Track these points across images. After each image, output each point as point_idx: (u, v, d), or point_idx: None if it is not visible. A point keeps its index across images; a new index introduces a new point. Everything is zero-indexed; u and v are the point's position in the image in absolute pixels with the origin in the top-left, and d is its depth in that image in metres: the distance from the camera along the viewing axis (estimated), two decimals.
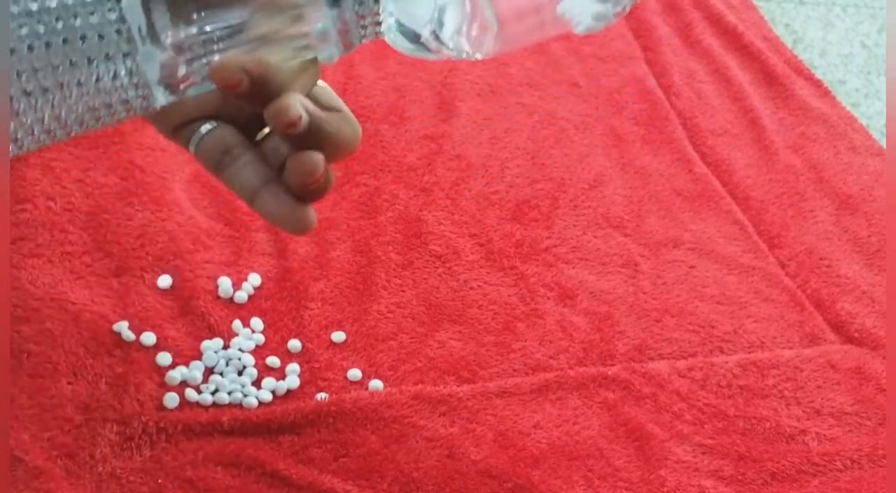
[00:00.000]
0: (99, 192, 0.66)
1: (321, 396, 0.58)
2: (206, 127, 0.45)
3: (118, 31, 0.38)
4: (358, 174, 0.72)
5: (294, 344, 0.60)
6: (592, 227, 0.73)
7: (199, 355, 0.59)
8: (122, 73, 0.39)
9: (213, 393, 0.57)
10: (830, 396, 0.65)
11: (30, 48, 0.37)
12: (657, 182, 0.78)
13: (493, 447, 0.57)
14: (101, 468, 0.52)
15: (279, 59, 0.41)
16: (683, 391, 0.63)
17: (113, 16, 0.38)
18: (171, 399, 0.56)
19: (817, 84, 0.91)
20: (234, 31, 0.40)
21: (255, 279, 0.63)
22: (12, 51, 0.36)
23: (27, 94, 0.38)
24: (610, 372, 0.63)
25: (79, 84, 0.38)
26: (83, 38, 0.38)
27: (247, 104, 0.42)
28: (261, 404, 0.57)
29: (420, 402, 0.59)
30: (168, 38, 0.39)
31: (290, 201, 0.43)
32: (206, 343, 0.59)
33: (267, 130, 0.45)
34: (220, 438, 0.55)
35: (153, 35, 0.39)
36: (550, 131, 0.80)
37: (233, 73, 0.40)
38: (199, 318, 0.60)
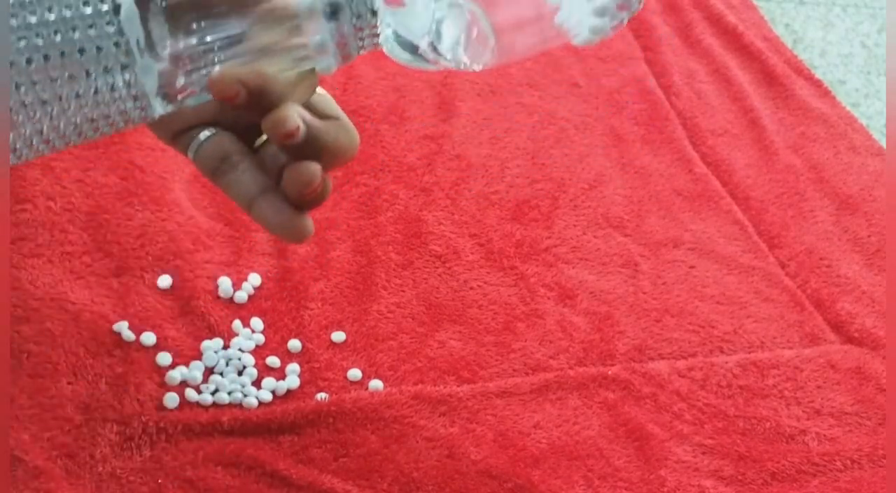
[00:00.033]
0: (99, 192, 0.66)
1: (321, 396, 0.58)
2: (204, 134, 0.45)
3: (116, 44, 0.38)
4: (358, 174, 0.72)
5: (294, 344, 0.60)
6: (592, 227, 0.73)
7: (199, 355, 0.59)
8: (121, 85, 0.39)
9: (213, 393, 0.57)
10: (830, 396, 0.65)
11: (28, 61, 0.37)
12: (657, 182, 0.78)
13: (493, 447, 0.57)
14: (101, 468, 0.52)
15: (277, 69, 0.41)
16: (683, 391, 0.63)
17: (111, 29, 0.38)
18: (171, 399, 0.56)
19: (817, 84, 0.91)
20: (232, 42, 0.40)
21: (255, 279, 0.63)
22: (11, 63, 0.37)
23: (25, 106, 0.38)
24: (610, 372, 0.63)
25: (77, 96, 0.38)
26: (81, 50, 0.38)
27: (245, 114, 0.43)
28: (261, 404, 0.57)
29: (420, 402, 0.59)
30: (166, 49, 0.39)
31: (288, 210, 0.43)
32: (206, 343, 0.59)
33: (265, 136, 0.45)
34: (220, 438, 0.55)
35: (151, 47, 0.39)
36: (550, 131, 0.80)
37: (230, 84, 0.40)
38: (199, 318, 0.60)
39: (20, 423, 0.53)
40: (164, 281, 0.62)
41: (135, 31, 0.38)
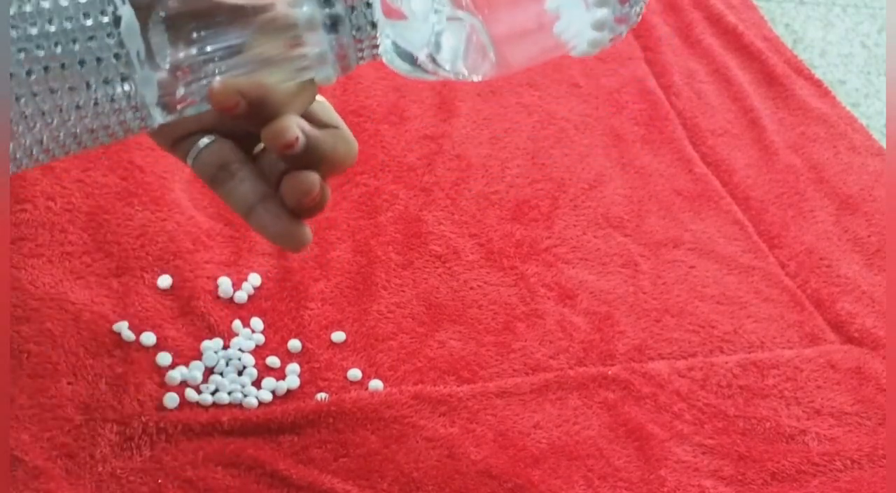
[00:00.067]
0: (99, 192, 0.66)
1: (321, 396, 0.58)
2: (203, 141, 0.45)
3: (117, 56, 0.38)
4: (358, 174, 0.72)
5: (294, 344, 0.60)
6: (592, 227, 0.73)
7: (199, 355, 0.59)
8: (121, 96, 0.39)
9: (213, 393, 0.57)
10: (830, 396, 0.65)
11: (28, 72, 0.37)
12: (657, 182, 0.78)
13: (493, 447, 0.57)
14: (101, 468, 0.52)
15: (276, 80, 0.41)
16: (683, 391, 0.63)
17: (112, 41, 0.38)
18: (171, 399, 0.56)
19: (817, 84, 0.91)
20: (232, 52, 0.40)
21: (255, 279, 0.63)
22: (11, 75, 0.37)
23: (25, 117, 0.38)
24: (610, 372, 0.63)
25: (77, 107, 0.39)
26: (82, 62, 0.38)
27: (244, 124, 0.43)
28: (261, 404, 0.57)
29: (420, 402, 0.59)
30: (167, 59, 0.39)
31: (286, 218, 0.43)
32: (206, 343, 0.59)
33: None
34: (220, 438, 0.55)
35: (151, 58, 0.39)
36: (550, 131, 0.80)
37: (230, 95, 0.40)
38: (199, 318, 0.60)
39: (20, 423, 0.53)
40: (164, 281, 0.62)
41: (135, 43, 0.38)
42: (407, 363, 0.61)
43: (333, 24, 0.40)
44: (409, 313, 0.64)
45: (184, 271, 0.62)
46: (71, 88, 0.38)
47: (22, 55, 0.37)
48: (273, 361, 0.59)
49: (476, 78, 0.42)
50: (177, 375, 0.57)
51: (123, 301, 0.60)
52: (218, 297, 0.62)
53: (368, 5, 0.40)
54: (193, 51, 0.40)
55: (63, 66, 0.38)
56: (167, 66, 0.39)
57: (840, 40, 1.00)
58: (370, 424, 0.57)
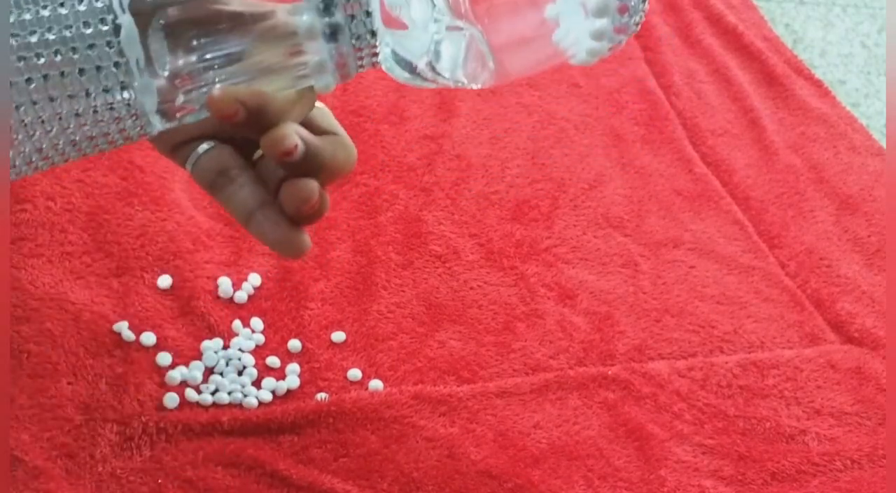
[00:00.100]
0: (99, 192, 0.66)
1: (321, 396, 0.58)
2: (203, 147, 0.45)
3: (116, 64, 0.38)
4: (358, 174, 0.72)
5: (294, 344, 0.60)
6: (592, 227, 0.73)
7: (199, 355, 0.59)
8: (120, 104, 0.39)
9: (213, 393, 0.57)
10: (830, 396, 0.65)
11: (28, 81, 0.37)
12: (657, 182, 0.78)
13: (493, 447, 0.57)
14: (101, 468, 0.52)
15: (276, 88, 0.41)
16: (683, 391, 0.63)
17: (111, 50, 0.38)
18: (171, 399, 0.56)
19: (817, 84, 0.91)
20: (232, 60, 0.40)
21: (255, 279, 0.63)
22: (11, 83, 0.37)
23: (25, 125, 0.38)
24: (610, 372, 0.63)
25: (76, 115, 0.39)
26: (81, 71, 0.38)
27: (243, 131, 0.43)
28: (261, 404, 0.57)
29: (420, 402, 0.59)
30: (166, 67, 0.39)
31: (285, 225, 0.43)
32: (206, 343, 0.59)
33: None
34: (220, 438, 0.55)
35: (150, 66, 0.39)
36: (550, 131, 0.80)
37: (229, 104, 0.40)
38: (199, 318, 0.60)
39: (20, 423, 0.53)
40: (164, 281, 0.62)
41: (134, 51, 0.38)
42: (407, 363, 0.61)
43: (333, 33, 0.40)
44: (409, 313, 0.64)
45: (184, 271, 0.62)
46: (70, 96, 0.38)
47: (21, 64, 0.37)
48: (273, 361, 0.59)
49: (475, 86, 0.42)
50: (177, 375, 0.57)
51: (123, 301, 0.60)
52: (218, 297, 0.62)
53: (368, 14, 0.40)
54: (193, 58, 0.40)
55: (62, 74, 0.38)
56: (166, 74, 0.39)
57: (840, 40, 1.00)
58: (370, 424, 0.57)
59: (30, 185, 0.65)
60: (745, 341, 0.67)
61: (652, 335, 0.66)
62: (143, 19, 0.38)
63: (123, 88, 0.39)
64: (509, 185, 0.74)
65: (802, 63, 0.93)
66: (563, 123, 0.81)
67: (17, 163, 0.39)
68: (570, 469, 0.57)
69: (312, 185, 0.42)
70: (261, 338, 0.60)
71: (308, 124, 0.44)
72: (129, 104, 0.39)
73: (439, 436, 0.57)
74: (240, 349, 0.59)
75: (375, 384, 0.59)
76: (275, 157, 0.41)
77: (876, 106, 0.92)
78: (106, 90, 0.38)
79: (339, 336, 0.62)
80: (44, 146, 0.39)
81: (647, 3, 0.40)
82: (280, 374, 0.59)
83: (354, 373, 0.60)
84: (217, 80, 0.40)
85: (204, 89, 0.40)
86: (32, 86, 0.37)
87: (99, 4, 0.38)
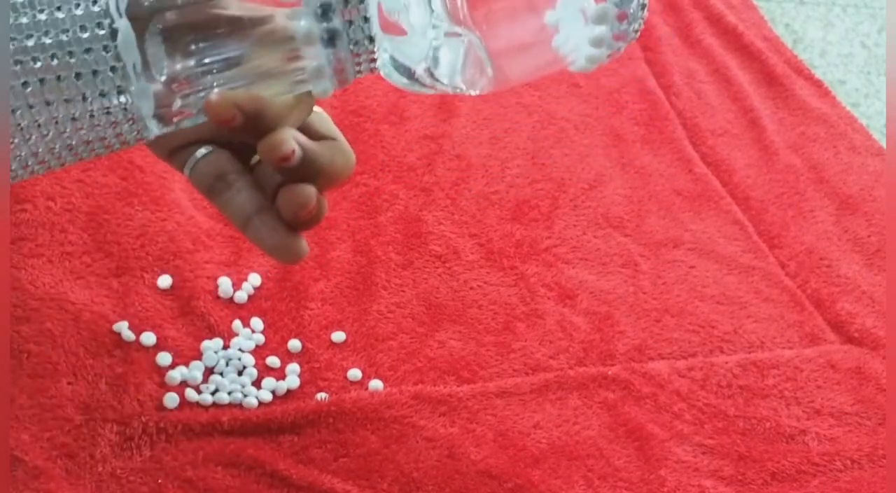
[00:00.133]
0: (99, 192, 0.66)
1: (321, 396, 0.58)
2: (200, 151, 0.45)
3: (113, 69, 0.38)
4: (358, 174, 0.72)
5: (294, 344, 0.60)
6: (592, 227, 0.73)
7: (199, 355, 0.59)
8: (117, 108, 0.39)
9: (213, 393, 0.57)
10: (830, 396, 0.65)
11: (24, 84, 0.37)
12: (657, 182, 0.78)
13: (493, 447, 0.57)
14: (101, 468, 0.52)
15: (274, 93, 0.41)
16: (683, 391, 0.63)
17: (108, 54, 0.38)
18: (171, 399, 0.56)
19: (817, 84, 0.91)
20: (230, 64, 0.40)
21: (255, 279, 0.63)
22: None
23: (21, 129, 0.38)
24: (610, 372, 0.63)
25: (73, 119, 0.39)
26: (78, 75, 0.38)
27: (241, 136, 0.43)
28: (261, 404, 0.57)
29: (420, 402, 0.59)
30: (164, 71, 0.39)
31: (282, 231, 0.43)
32: (206, 343, 0.59)
33: None
34: (220, 438, 0.55)
35: (148, 70, 0.39)
36: (550, 131, 0.80)
37: (226, 108, 0.40)
38: (199, 318, 0.60)
39: (20, 423, 0.53)
40: (164, 281, 0.62)
41: (131, 56, 0.38)
42: (407, 363, 0.61)
43: (331, 39, 0.40)
44: (409, 313, 0.64)
45: (184, 271, 0.62)
46: (67, 100, 0.38)
47: (18, 67, 0.37)
48: (273, 361, 0.59)
49: (473, 92, 0.42)
50: (177, 375, 0.57)
51: (123, 301, 0.60)
52: (218, 297, 0.62)
53: (366, 20, 0.40)
54: (191, 62, 0.39)
55: (59, 78, 0.38)
56: (164, 78, 0.39)
57: (840, 40, 1.00)
58: (370, 424, 0.57)
59: (30, 185, 0.65)
60: (745, 341, 0.67)
61: (652, 335, 0.66)
62: (140, 23, 0.38)
63: (120, 92, 0.39)
64: (509, 185, 0.74)
65: (802, 63, 0.93)
66: (563, 123, 0.81)
67: (13, 167, 0.39)
68: (570, 469, 0.57)
69: (310, 190, 0.42)
70: (261, 338, 0.60)
71: (306, 129, 0.44)
72: (125, 109, 0.39)
73: (439, 436, 0.57)
74: (240, 349, 0.59)
75: (375, 384, 0.59)
76: (272, 162, 0.41)
77: (876, 106, 0.92)
78: (102, 95, 0.38)
79: (339, 336, 0.62)
80: (40, 150, 0.39)
81: (646, 10, 0.40)
82: (280, 374, 0.59)
83: (354, 373, 0.60)
84: (215, 84, 0.40)
85: (202, 94, 0.40)
86: (29, 89, 0.37)
87: (96, 9, 0.38)
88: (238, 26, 0.40)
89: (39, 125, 0.38)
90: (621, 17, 0.39)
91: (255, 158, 0.45)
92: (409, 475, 0.55)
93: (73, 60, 0.37)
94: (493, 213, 0.72)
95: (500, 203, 0.73)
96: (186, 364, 0.58)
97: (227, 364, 0.58)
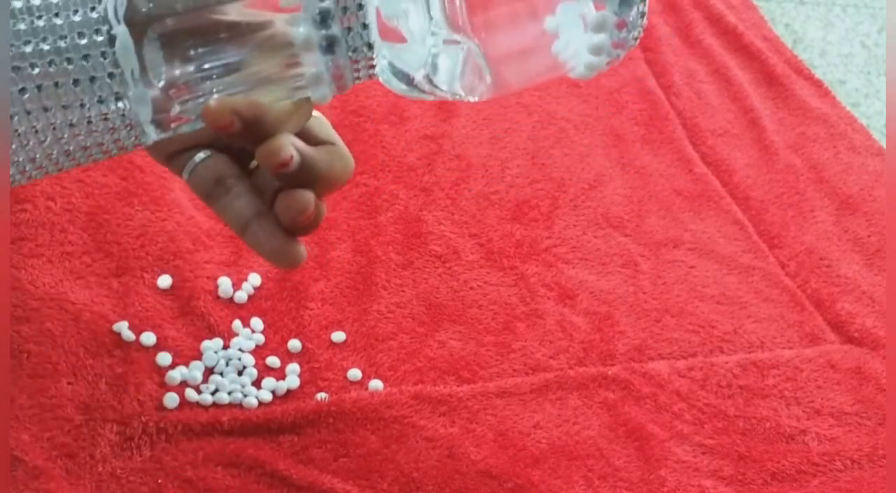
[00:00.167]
0: (99, 192, 0.66)
1: (321, 396, 0.58)
2: (199, 155, 0.45)
3: (111, 75, 0.38)
4: (358, 174, 0.72)
5: (294, 344, 0.60)
6: (592, 227, 0.73)
7: (199, 355, 0.59)
8: (115, 114, 0.39)
9: (213, 393, 0.57)
10: (830, 396, 0.65)
11: (22, 91, 0.37)
12: (657, 182, 0.78)
13: (493, 447, 0.57)
14: (101, 468, 0.52)
15: (273, 98, 0.41)
16: (683, 391, 0.63)
17: (106, 60, 0.38)
18: (171, 399, 0.56)
19: (817, 84, 0.91)
20: (230, 70, 0.40)
21: (255, 279, 0.63)
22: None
23: (19, 135, 0.38)
24: (610, 372, 0.63)
25: (70, 125, 0.38)
26: (76, 81, 0.38)
27: (239, 142, 0.43)
28: (261, 404, 0.57)
29: (420, 402, 0.59)
30: (162, 76, 0.39)
31: (281, 236, 0.43)
32: (206, 343, 0.59)
33: None
34: (220, 438, 0.55)
35: (146, 75, 0.39)
36: (550, 131, 0.80)
37: (225, 115, 0.40)
38: (199, 318, 0.60)
39: (20, 423, 0.53)
40: (164, 281, 0.62)
41: (130, 62, 0.38)
42: (407, 363, 0.61)
43: (330, 46, 0.39)
44: (409, 313, 0.64)
45: (184, 271, 0.62)
46: (65, 107, 0.38)
47: (16, 73, 0.37)
48: (273, 361, 0.59)
49: (473, 98, 0.42)
50: (177, 375, 0.57)
51: (123, 301, 0.60)
52: (218, 297, 0.62)
53: (365, 27, 0.39)
54: (190, 68, 0.39)
55: (57, 84, 0.37)
56: (162, 84, 0.39)
57: (840, 40, 1.00)
58: (370, 424, 0.57)
59: (30, 185, 0.65)
60: (745, 341, 0.67)
61: (652, 335, 0.66)
62: (138, 29, 0.38)
63: (118, 98, 0.39)
64: (509, 185, 0.74)
65: (802, 63, 0.93)
66: (563, 123, 0.81)
67: (11, 172, 0.39)
68: (570, 469, 0.57)
69: (308, 196, 0.42)
70: (261, 338, 0.60)
71: (305, 134, 0.44)
72: (123, 115, 0.39)
73: (439, 436, 0.57)
74: (240, 349, 0.59)
75: (375, 384, 0.59)
76: (270, 168, 0.41)
77: (876, 106, 0.92)
78: (100, 101, 0.38)
79: (339, 336, 0.62)
80: (37, 156, 0.39)
81: (645, 18, 0.40)
82: (280, 374, 0.59)
83: (354, 373, 0.60)
84: (214, 90, 0.40)
85: (200, 100, 0.40)
86: (26, 96, 0.37)
87: (94, 15, 0.37)
88: (237, 32, 0.39)
89: (37, 131, 0.38)
90: (621, 26, 0.39)
91: (254, 162, 0.45)
92: (409, 475, 0.55)
93: (70, 67, 0.37)
94: (493, 213, 0.72)
95: (500, 203, 0.73)
96: (186, 364, 0.58)
97: (227, 364, 0.58)
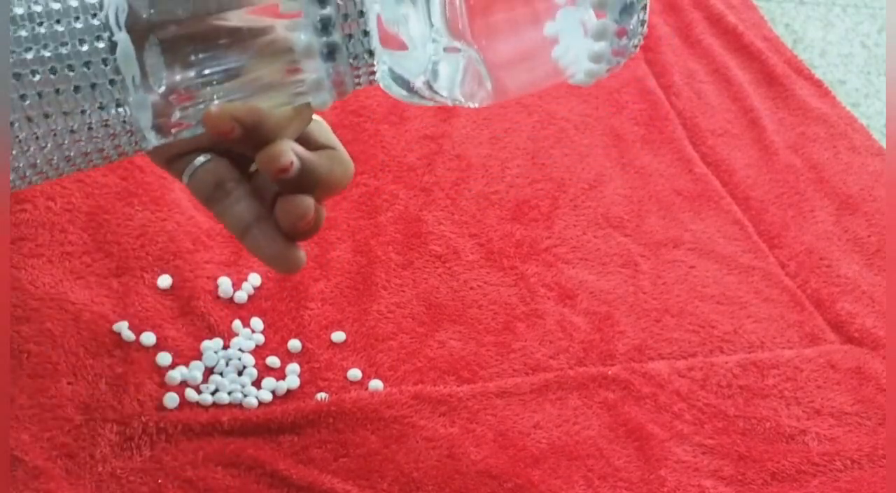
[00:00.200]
0: (99, 192, 0.66)
1: (321, 396, 0.58)
2: (199, 159, 0.45)
3: (112, 82, 0.38)
4: (358, 174, 0.72)
5: (294, 344, 0.60)
6: (592, 227, 0.73)
7: (199, 355, 0.59)
8: (115, 120, 0.39)
9: (213, 393, 0.57)
10: (830, 396, 0.65)
11: (23, 97, 0.37)
12: (657, 182, 0.78)
13: (493, 447, 0.57)
14: (101, 468, 0.52)
15: (273, 104, 0.41)
16: (683, 391, 0.63)
17: (107, 67, 0.38)
18: (171, 399, 0.56)
19: (817, 84, 0.91)
20: (231, 75, 0.40)
21: (255, 279, 0.63)
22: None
23: (20, 141, 0.38)
24: (610, 372, 0.63)
25: (71, 132, 0.39)
26: (77, 88, 0.38)
27: (239, 147, 0.43)
28: (261, 404, 0.57)
29: (420, 402, 0.59)
30: (163, 82, 0.39)
31: (280, 241, 0.43)
32: (206, 343, 0.59)
33: None
34: (220, 438, 0.55)
35: (146, 81, 0.39)
36: (550, 131, 0.80)
37: (225, 121, 0.40)
38: (199, 318, 0.60)
39: (20, 423, 0.53)
40: (164, 281, 0.62)
41: (130, 69, 0.38)
42: (407, 363, 0.61)
43: (330, 53, 0.39)
44: (409, 313, 0.64)
45: (184, 271, 0.62)
46: (65, 113, 0.38)
47: (17, 80, 0.37)
48: (273, 361, 0.59)
49: (473, 105, 0.42)
50: (177, 375, 0.57)
51: (123, 301, 0.60)
52: (218, 297, 0.62)
53: (366, 33, 0.39)
54: (191, 74, 0.39)
55: (58, 91, 0.37)
56: (162, 89, 0.39)
57: (840, 40, 1.00)
58: (370, 424, 0.57)
59: None
60: (745, 341, 0.67)
61: (652, 335, 0.66)
62: (139, 35, 0.38)
63: (119, 104, 0.39)
64: (509, 185, 0.74)
65: (802, 63, 0.93)
66: (563, 123, 0.81)
67: (11, 177, 0.39)
68: (570, 469, 0.57)
69: (308, 201, 0.42)
70: (261, 338, 0.60)
71: (305, 138, 0.44)
72: (124, 121, 0.39)
73: (439, 436, 0.57)
74: (240, 349, 0.59)
75: (375, 384, 0.59)
76: (270, 174, 0.41)
77: (876, 106, 0.92)
78: (101, 107, 0.38)
79: (339, 336, 0.62)
80: (38, 161, 0.39)
81: (645, 26, 0.40)
82: (280, 374, 0.59)
83: (354, 373, 0.60)
84: (215, 96, 0.40)
85: (201, 105, 0.40)
86: (27, 102, 0.37)
87: (95, 22, 0.37)
88: (238, 37, 0.39)
89: (38, 137, 0.38)
90: (621, 34, 0.39)
91: (254, 165, 0.45)
92: (409, 475, 0.55)
93: (72, 74, 0.37)
94: (493, 213, 0.72)
95: (500, 203, 0.73)
96: (186, 364, 0.58)
97: (227, 364, 0.58)
